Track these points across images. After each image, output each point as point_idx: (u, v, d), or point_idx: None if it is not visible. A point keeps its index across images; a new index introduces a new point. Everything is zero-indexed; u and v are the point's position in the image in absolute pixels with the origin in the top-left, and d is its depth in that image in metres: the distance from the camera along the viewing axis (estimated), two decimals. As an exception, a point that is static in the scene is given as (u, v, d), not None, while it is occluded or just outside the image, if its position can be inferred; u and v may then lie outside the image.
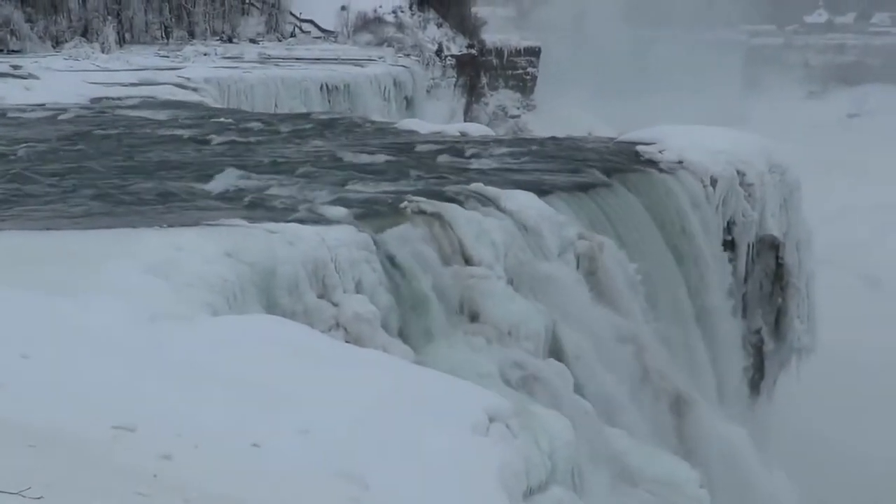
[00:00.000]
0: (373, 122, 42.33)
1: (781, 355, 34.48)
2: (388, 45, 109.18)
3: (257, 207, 21.54)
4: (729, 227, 31.38)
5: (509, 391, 17.96)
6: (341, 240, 18.68)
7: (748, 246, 32.14)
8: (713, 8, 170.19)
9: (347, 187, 24.21)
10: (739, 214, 31.48)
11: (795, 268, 33.89)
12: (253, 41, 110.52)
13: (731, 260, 31.51)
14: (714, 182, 30.42)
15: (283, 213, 20.46)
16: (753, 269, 32.71)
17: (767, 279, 33.41)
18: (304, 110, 58.96)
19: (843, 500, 35.62)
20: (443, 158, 29.75)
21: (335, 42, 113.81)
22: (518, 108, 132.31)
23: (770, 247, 32.98)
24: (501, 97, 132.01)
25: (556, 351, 21.40)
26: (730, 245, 31.46)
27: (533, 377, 19.62)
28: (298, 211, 20.82)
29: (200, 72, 67.63)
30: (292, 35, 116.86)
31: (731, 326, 31.13)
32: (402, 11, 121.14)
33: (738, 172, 31.33)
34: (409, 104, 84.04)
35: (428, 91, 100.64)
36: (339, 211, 20.61)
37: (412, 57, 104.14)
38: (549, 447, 16.10)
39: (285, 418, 10.95)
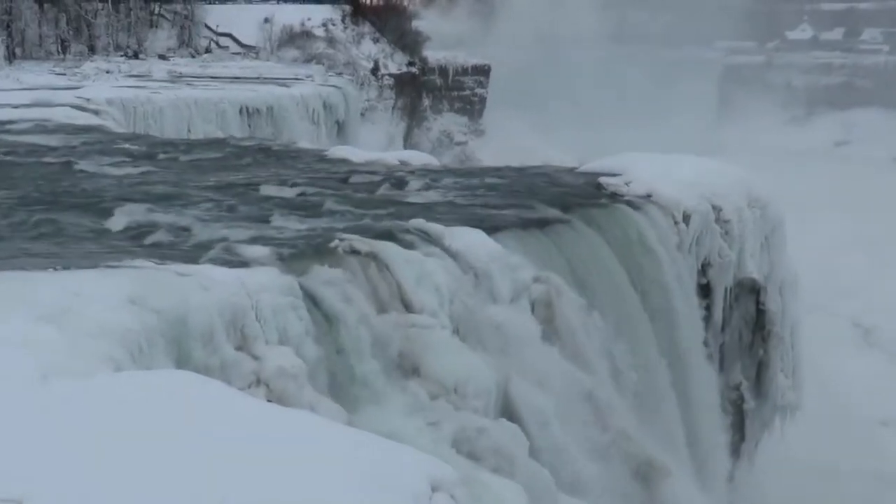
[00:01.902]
0: (299, 150, 42.30)
1: (764, 414, 34.66)
2: (318, 63, 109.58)
3: (166, 246, 21.40)
4: (704, 269, 31.55)
5: (455, 457, 17.89)
6: (263, 284, 18.57)
7: (725, 290, 32.31)
8: (686, 24, 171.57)
9: (270, 224, 24.13)
10: (715, 255, 31.68)
11: (778, 315, 34.10)
12: (163, 57, 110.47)
13: (706, 306, 31.65)
14: (687, 218, 30.59)
15: (196, 253, 20.35)
16: (731, 316, 32.89)
17: (747, 328, 33.62)
18: (220, 136, 58.90)
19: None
20: (379, 191, 29.77)
21: (256, 58, 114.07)
22: (465, 134, 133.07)
23: (750, 291, 33.21)
24: (446, 121, 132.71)
25: (508, 410, 21.36)
26: (705, 289, 31.62)
27: (482, 440, 19.56)
28: (214, 250, 20.71)
29: (102, 92, 67.46)
30: (208, 51, 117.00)
31: (707, 382, 31.21)
32: (333, 24, 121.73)
33: (714, 207, 31.56)
34: (340, 129, 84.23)
35: (363, 114, 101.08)
36: (261, 251, 20.52)
37: (345, 76, 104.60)
38: (501, 521, 16.10)
39: (195, 494, 10.82)
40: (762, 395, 34.32)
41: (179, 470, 11.27)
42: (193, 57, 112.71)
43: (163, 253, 20.35)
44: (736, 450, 33.66)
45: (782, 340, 34.38)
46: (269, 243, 21.29)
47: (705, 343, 31.35)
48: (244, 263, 19.58)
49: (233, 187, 29.88)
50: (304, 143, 52.63)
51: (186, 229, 23.14)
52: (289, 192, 28.94)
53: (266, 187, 29.76)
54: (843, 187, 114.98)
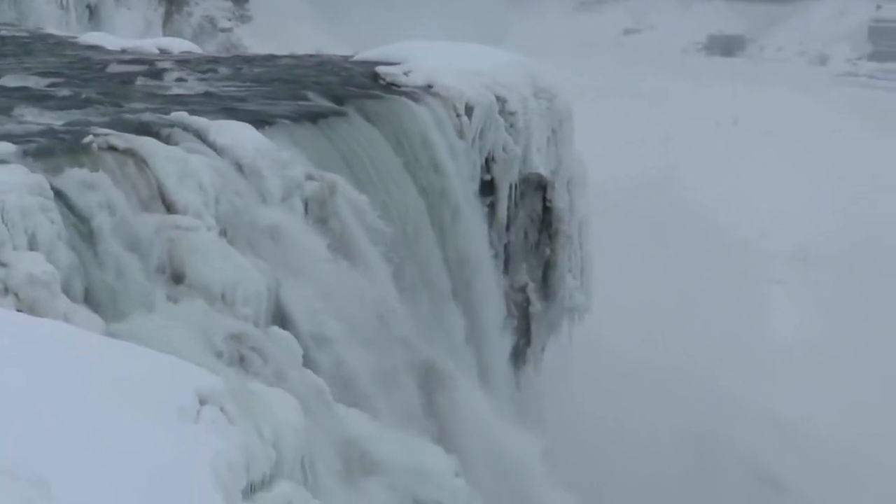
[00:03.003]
0: (47, 36, 41.24)
1: (551, 317, 35.38)
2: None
3: None
4: (487, 165, 31.87)
5: (223, 367, 17.93)
6: (8, 183, 18.12)
7: (510, 187, 32.72)
8: None
9: (14, 118, 23.55)
10: (500, 149, 32.03)
11: (566, 213, 34.72)
12: None
13: (489, 204, 32.02)
14: (469, 110, 30.83)
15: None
16: (517, 214, 33.37)
17: (533, 226, 34.17)
18: (-46, 20, 56.93)
19: (619, 487, 37.11)
20: (137, 82, 29.29)
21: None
22: (230, 20, 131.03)
23: (536, 187, 33.72)
24: (209, 6, 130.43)
25: (280, 317, 21.44)
26: (488, 186, 31.97)
27: (252, 349, 19.61)
28: (-48, 148, 20.14)
29: None
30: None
31: (490, 284, 31.67)
32: None
33: (498, 99, 31.90)
34: (92, 14, 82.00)
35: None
36: (5, 147, 20.01)
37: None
38: (274, 434, 16.19)
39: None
40: (549, 298, 34.97)
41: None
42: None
43: None
44: (521, 354, 34.31)
45: (570, 240, 35.03)
46: (14, 140, 20.75)
47: (489, 243, 31.73)
48: (-13, 161, 19.11)
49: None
50: (52, 29, 51.31)
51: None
52: (35, 83, 28.23)
53: (8, 77, 28.97)
54: (632, 78, 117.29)
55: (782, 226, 73.30)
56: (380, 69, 31.69)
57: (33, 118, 23.64)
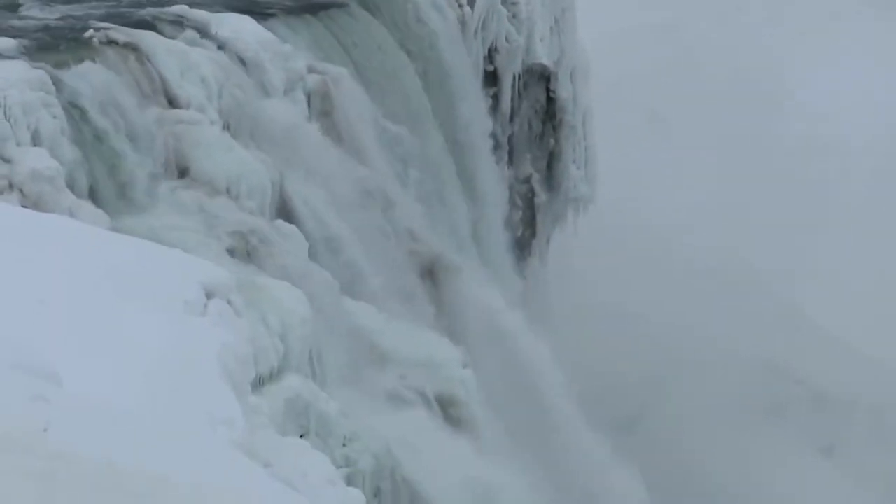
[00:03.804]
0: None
1: (555, 208, 35.36)
2: None
3: None
4: (490, 56, 31.66)
5: (230, 261, 18.01)
6: (10, 79, 18.09)
7: (514, 77, 32.53)
8: None
9: (16, 13, 23.39)
10: (503, 39, 31.80)
11: (570, 103, 34.57)
12: None
13: (493, 95, 31.88)
14: (471, 1, 30.55)
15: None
16: (520, 105, 33.23)
17: (537, 117, 34.07)
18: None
19: (622, 373, 37.35)
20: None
21: None
22: None
23: (539, 78, 33.57)
24: None
25: (285, 210, 21.48)
26: (492, 77, 31.81)
27: (259, 243, 19.69)
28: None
29: None
30: None
31: (495, 175, 31.62)
32: None
33: (501, -11, 31.56)
34: None
35: None
36: (6, 42, 19.94)
37: None
38: (281, 326, 16.34)
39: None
40: (553, 188, 34.94)
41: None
42: None
43: None
44: (527, 245, 34.35)
45: (574, 130, 34.91)
46: (15, 34, 20.67)
47: (493, 135, 31.62)
48: (-14, 57, 19.07)
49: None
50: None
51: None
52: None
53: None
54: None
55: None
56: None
57: (35, 13, 23.45)
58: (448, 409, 21.80)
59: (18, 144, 17.70)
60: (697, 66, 65.79)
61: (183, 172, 20.51)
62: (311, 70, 24.10)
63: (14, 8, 23.72)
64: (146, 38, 21.47)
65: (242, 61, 22.80)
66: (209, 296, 12.91)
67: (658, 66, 67.58)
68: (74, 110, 18.98)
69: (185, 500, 8.61)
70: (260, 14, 24.52)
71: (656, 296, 41.87)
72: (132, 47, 21.13)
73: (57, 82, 18.89)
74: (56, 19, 22.82)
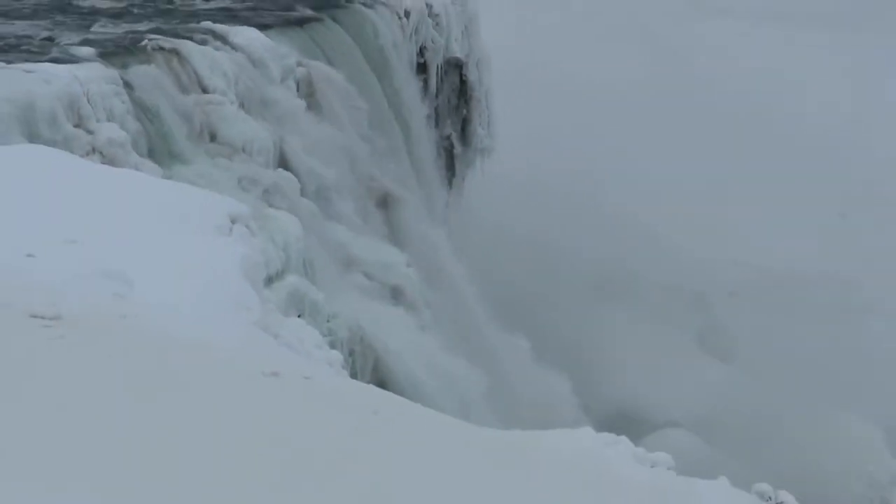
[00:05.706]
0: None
1: (468, 156, 35.49)
2: None
3: (12, 51, 20.33)
4: (421, 52, 31.61)
5: (247, 197, 18.05)
6: (91, 77, 18.04)
7: (437, 67, 32.52)
8: None
9: (93, 30, 23.08)
10: (429, 41, 31.74)
11: (477, 84, 34.66)
12: None
13: (423, 80, 31.86)
14: (407, 14, 30.47)
15: (37, 55, 19.44)
16: (443, 86, 33.23)
17: (454, 94, 34.10)
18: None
19: (516, 276, 37.38)
20: (175, 3, 28.57)
21: None
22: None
23: (455, 67, 33.57)
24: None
25: (283, 162, 21.56)
26: (422, 67, 31.77)
27: (266, 185, 19.76)
28: (50, 53, 19.82)
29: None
30: None
31: (427, 134, 31.76)
32: None
33: (427, 5, 31.46)
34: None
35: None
36: (87, 50, 19.75)
37: None
38: (284, 242, 16.52)
39: (54, 231, 10.78)
40: (466, 143, 35.05)
41: (38, 212, 11.23)
42: None
43: (9, 56, 19.35)
44: (450, 183, 34.52)
45: (480, 103, 35.00)
46: (93, 45, 20.44)
47: (425, 107, 31.71)
48: (75, 61, 18.87)
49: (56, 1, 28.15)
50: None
51: (28, 37, 21.94)
52: (104, 4, 27.51)
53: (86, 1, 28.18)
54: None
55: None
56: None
57: (106, 29, 23.14)
58: (398, 297, 22.08)
59: (98, 121, 17.64)
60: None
61: (212, 137, 20.50)
62: (299, 64, 24.06)
63: (90, 25, 23.40)
64: (184, 45, 21.32)
65: (252, 60, 22.68)
66: (233, 222, 12.96)
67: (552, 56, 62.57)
68: (136, 97, 18.91)
69: (222, 357, 8.79)
70: (262, 26, 24.39)
71: (538, 220, 41.47)
72: (175, 52, 20.99)
73: (123, 78, 18.84)
74: (121, 33, 22.57)
